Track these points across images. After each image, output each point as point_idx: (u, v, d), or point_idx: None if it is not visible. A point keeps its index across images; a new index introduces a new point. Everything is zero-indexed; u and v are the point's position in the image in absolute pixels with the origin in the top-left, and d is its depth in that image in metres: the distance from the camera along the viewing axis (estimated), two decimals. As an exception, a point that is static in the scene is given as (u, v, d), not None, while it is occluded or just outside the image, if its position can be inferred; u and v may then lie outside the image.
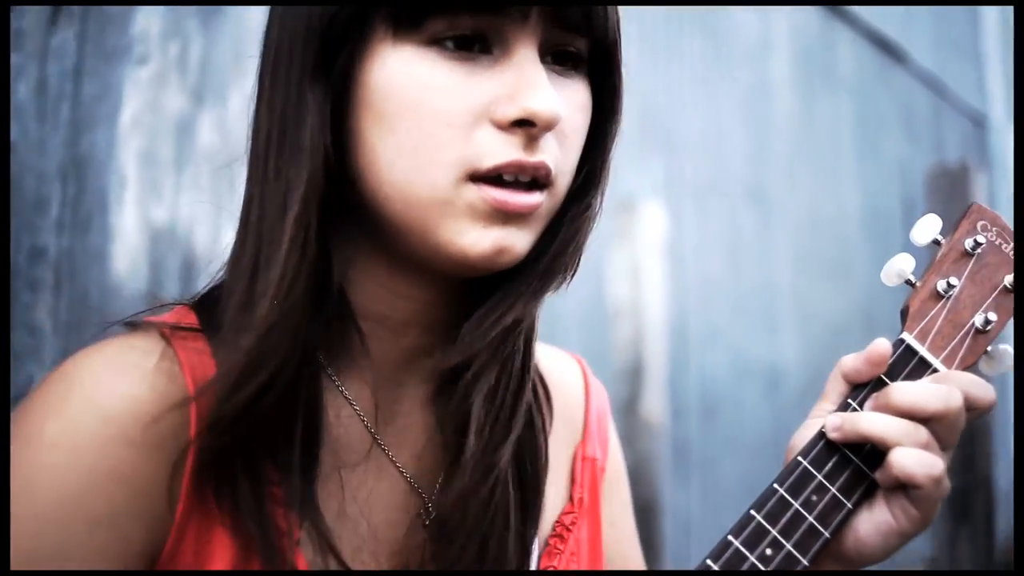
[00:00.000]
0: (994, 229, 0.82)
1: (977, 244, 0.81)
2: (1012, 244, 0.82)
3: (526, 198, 0.74)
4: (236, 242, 0.80)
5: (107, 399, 0.73)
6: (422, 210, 0.74)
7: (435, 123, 0.73)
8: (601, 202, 0.82)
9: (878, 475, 0.76)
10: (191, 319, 0.80)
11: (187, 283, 1.80)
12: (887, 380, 0.78)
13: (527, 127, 0.73)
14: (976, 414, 0.77)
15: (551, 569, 0.85)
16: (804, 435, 0.80)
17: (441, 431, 0.80)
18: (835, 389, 0.81)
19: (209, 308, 0.80)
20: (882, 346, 0.78)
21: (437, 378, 0.81)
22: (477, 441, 0.77)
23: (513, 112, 0.73)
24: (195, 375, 0.76)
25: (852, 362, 0.79)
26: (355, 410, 0.81)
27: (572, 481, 0.92)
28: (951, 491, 2.74)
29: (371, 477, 0.81)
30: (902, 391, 0.75)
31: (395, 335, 0.81)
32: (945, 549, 2.72)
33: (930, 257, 0.85)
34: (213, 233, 1.86)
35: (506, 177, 0.74)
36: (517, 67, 0.74)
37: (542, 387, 0.91)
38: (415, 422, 0.83)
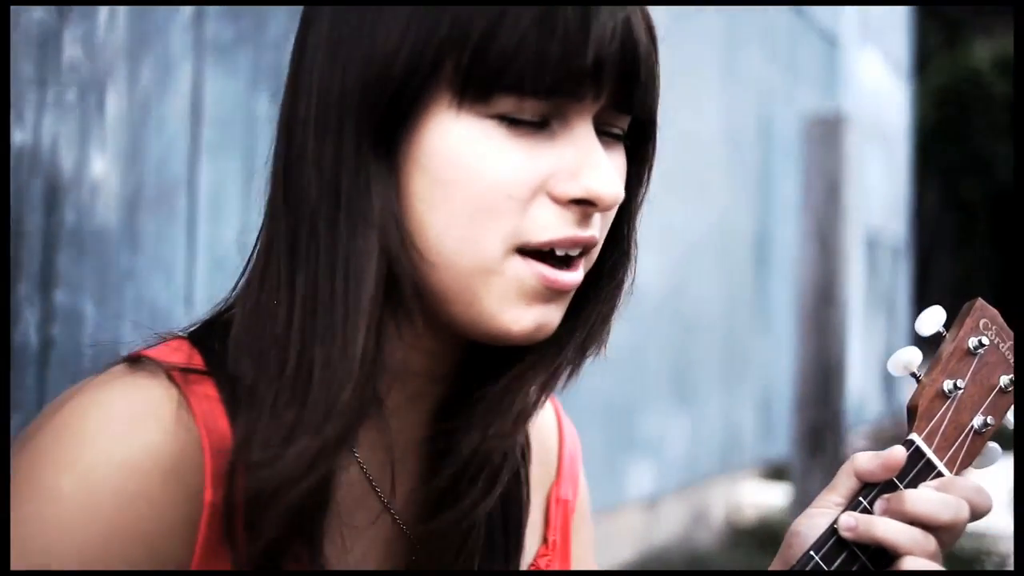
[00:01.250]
0: (994, 327, 0.85)
1: (980, 344, 0.84)
2: (1009, 343, 0.85)
3: (573, 276, 0.75)
4: (264, 306, 0.75)
5: (127, 452, 0.69)
6: (468, 280, 0.73)
7: (495, 193, 0.72)
8: (634, 271, 0.84)
9: None
10: (196, 360, 0.76)
11: (52, 212, 1.70)
12: (896, 481, 0.81)
13: (585, 206, 0.74)
14: (975, 519, 0.80)
15: None
16: (807, 523, 0.82)
17: (433, 476, 0.80)
18: (844, 484, 0.83)
19: (212, 345, 0.77)
20: (899, 453, 0.80)
21: (431, 422, 0.81)
22: (463, 493, 0.78)
23: (576, 191, 0.73)
24: (208, 425, 0.73)
25: (866, 463, 0.81)
26: (361, 467, 0.80)
27: (546, 523, 0.93)
28: (806, 431, 2.87)
29: (370, 526, 0.80)
30: (916, 500, 0.78)
31: (402, 384, 0.80)
32: (800, 479, 2.89)
33: (933, 349, 0.87)
34: (79, 157, 1.76)
35: (557, 252, 0.74)
36: (577, 144, 0.74)
37: (524, 432, 0.91)
38: (409, 466, 0.83)
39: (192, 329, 0.80)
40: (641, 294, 3.54)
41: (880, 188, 8.21)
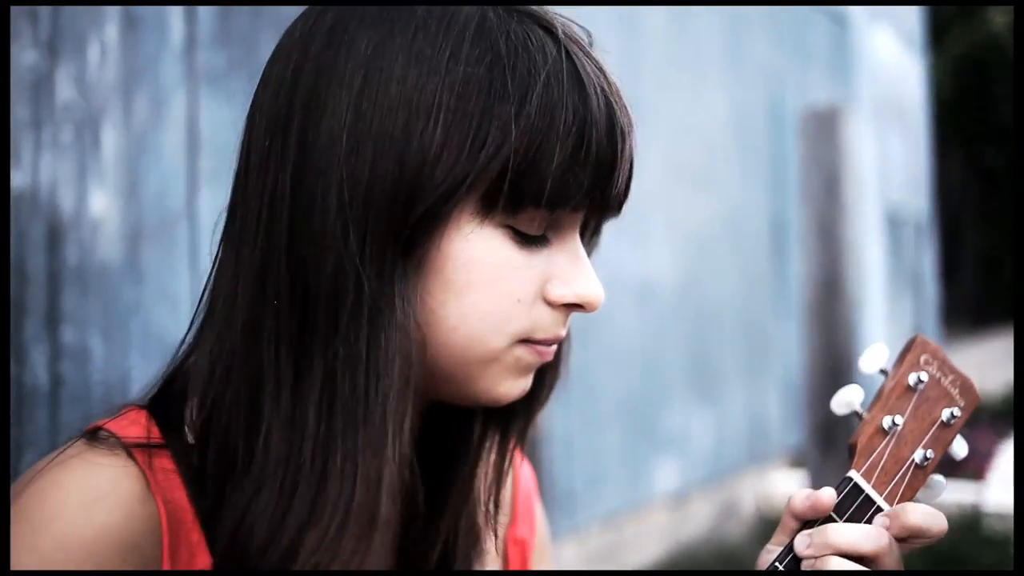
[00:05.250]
0: (935, 363, 0.86)
1: (920, 381, 0.85)
2: (952, 376, 0.87)
3: (553, 349, 0.81)
4: (259, 387, 0.75)
5: (84, 533, 0.71)
6: (471, 366, 0.78)
7: (508, 299, 0.76)
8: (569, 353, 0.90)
9: None
10: (154, 432, 0.77)
11: (54, 252, 1.72)
12: (836, 517, 0.82)
13: (574, 308, 0.79)
14: (928, 542, 0.81)
15: None
16: (766, 558, 0.84)
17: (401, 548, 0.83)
18: (788, 524, 0.84)
19: (168, 413, 0.78)
20: (827, 496, 0.81)
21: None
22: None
23: (570, 297, 0.78)
24: (166, 498, 0.74)
25: (800, 504, 0.82)
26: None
27: (504, 564, 0.95)
28: (819, 425, 2.85)
29: None
30: (837, 533, 0.79)
31: None
32: (816, 474, 2.88)
33: (876, 386, 0.89)
34: (78, 195, 1.78)
35: None
36: (567, 251, 0.79)
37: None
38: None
39: (151, 394, 0.81)
40: (656, 289, 3.57)
41: (899, 165, 8.14)
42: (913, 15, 9.32)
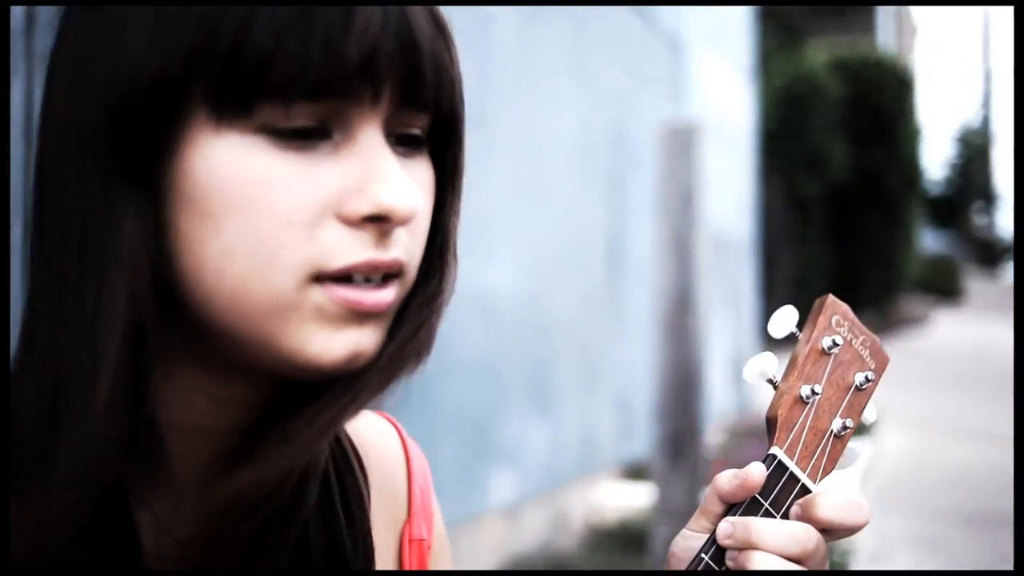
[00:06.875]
0: (846, 323, 0.81)
1: (835, 344, 0.80)
2: (862, 337, 0.82)
3: (381, 295, 0.66)
4: (19, 371, 0.67)
5: None
6: (262, 320, 0.65)
7: (273, 222, 0.63)
8: (451, 286, 0.74)
9: None
10: None
11: None
12: (760, 498, 0.76)
13: (380, 223, 0.65)
14: (849, 533, 0.76)
15: None
16: (684, 544, 0.78)
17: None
18: (712, 507, 0.77)
19: None
20: (757, 471, 0.75)
21: None
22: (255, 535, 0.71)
23: (366, 208, 0.65)
24: None
25: (727, 484, 0.75)
26: (166, 528, 0.73)
27: (400, 567, 0.86)
28: (668, 437, 2.89)
29: None
30: (760, 534, 0.73)
31: (209, 442, 0.72)
32: (662, 485, 2.93)
33: (788, 350, 0.83)
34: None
35: (356, 277, 0.66)
36: (364, 155, 0.65)
37: (361, 472, 0.83)
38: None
39: None
40: (496, 301, 3.60)
41: (728, 189, 8.45)
42: (744, 44, 9.70)
